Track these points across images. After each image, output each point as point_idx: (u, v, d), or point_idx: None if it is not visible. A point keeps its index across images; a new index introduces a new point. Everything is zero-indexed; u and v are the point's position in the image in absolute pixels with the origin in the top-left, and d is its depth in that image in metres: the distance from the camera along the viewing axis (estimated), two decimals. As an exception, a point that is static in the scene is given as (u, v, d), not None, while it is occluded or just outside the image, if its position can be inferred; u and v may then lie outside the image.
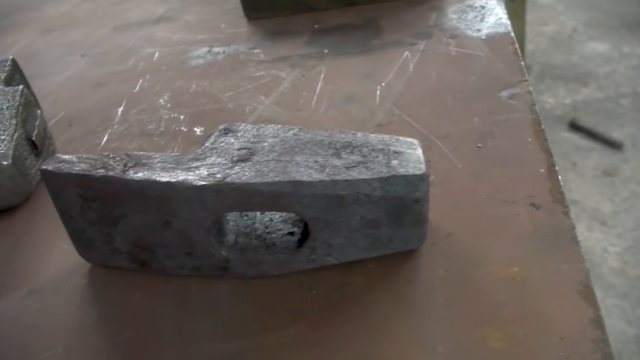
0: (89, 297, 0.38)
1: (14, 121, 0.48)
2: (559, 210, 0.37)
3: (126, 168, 0.35)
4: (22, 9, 0.83)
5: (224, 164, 0.34)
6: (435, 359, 0.30)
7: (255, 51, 0.61)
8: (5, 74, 0.53)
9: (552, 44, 2.08)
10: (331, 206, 0.33)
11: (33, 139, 0.49)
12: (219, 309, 0.35)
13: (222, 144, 0.36)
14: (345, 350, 0.32)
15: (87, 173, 0.35)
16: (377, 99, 0.51)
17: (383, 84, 0.52)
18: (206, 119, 0.53)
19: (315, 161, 0.33)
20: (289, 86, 0.55)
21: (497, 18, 0.59)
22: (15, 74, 0.55)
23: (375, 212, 0.33)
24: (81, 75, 0.64)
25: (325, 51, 0.59)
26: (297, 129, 0.36)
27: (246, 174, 0.33)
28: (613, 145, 1.65)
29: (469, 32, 0.57)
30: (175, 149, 0.49)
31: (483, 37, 0.56)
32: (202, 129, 0.52)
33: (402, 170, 0.33)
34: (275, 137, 0.36)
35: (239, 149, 0.35)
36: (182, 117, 0.54)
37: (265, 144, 0.35)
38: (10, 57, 0.55)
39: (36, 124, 0.51)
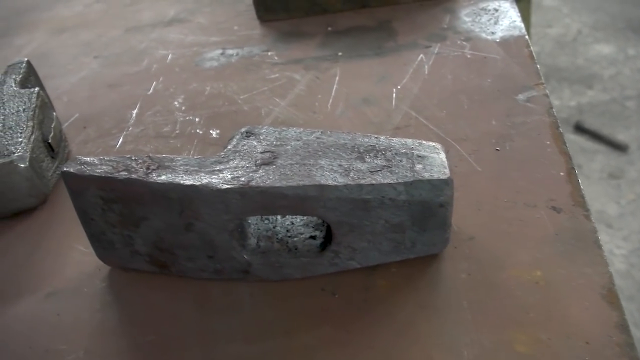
0: (109, 299, 0.38)
1: (30, 123, 0.48)
2: (580, 214, 0.37)
3: (149, 170, 0.35)
4: (34, 9, 0.83)
5: (247, 167, 0.34)
6: (461, 362, 0.30)
7: (269, 53, 0.61)
8: (20, 76, 0.53)
9: (557, 46, 2.08)
10: (356, 210, 0.33)
11: (49, 141, 0.49)
12: (241, 311, 0.35)
13: (244, 147, 0.36)
14: (370, 352, 0.32)
15: (109, 175, 0.35)
16: (394, 101, 0.51)
17: (399, 87, 0.52)
18: (222, 122, 0.53)
19: (340, 165, 0.33)
20: (304, 88, 0.55)
21: (511, 21, 0.59)
22: (30, 76, 0.55)
23: (399, 216, 0.33)
24: (95, 77, 0.64)
25: (340, 53, 0.59)
26: (319, 132, 0.36)
27: (270, 177, 0.33)
28: (618, 147, 1.64)
29: (484, 35, 0.58)
30: (192, 151, 0.49)
31: (497, 40, 0.56)
32: (217, 131, 0.52)
33: (427, 175, 0.33)
34: (298, 140, 0.36)
35: (262, 152, 0.35)
36: (197, 119, 0.54)
37: (288, 147, 0.35)
38: (25, 59, 0.56)
39: (52, 126, 0.51)
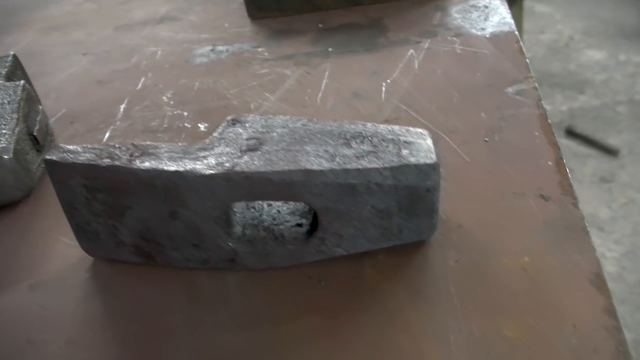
0: (93, 290, 0.38)
1: (15, 116, 0.47)
2: (569, 202, 0.37)
3: (132, 158, 0.34)
4: (25, 8, 0.83)
5: (232, 153, 0.34)
6: (449, 348, 0.30)
7: (260, 50, 0.61)
8: (6, 70, 0.53)
9: (549, 52, 2.10)
10: (342, 196, 0.32)
11: (34, 134, 0.49)
12: (229, 301, 0.35)
13: (230, 134, 0.35)
14: (358, 340, 0.31)
15: (92, 162, 0.34)
16: (384, 95, 0.51)
17: (389, 81, 0.52)
18: (211, 116, 0.52)
19: (326, 150, 0.33)
20: (294, 83, 0.55)
21: (501, 17, 0.59)
22: (17, 70, 0.55)
23: (386, 202, 0.33)
24: (84, 74, 0.64)
25: (330, 49, 0.59)
26: (305, 120, 0.36)
27: (255, 162, 0.32)
28: (610, 151, 1.65)
29: (474, 31, 0.58)
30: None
31: (488, 36, 0.56)
32: (206, 125, 0.51)
33: (413, 160, 0.32)
34: (284, 128, 0.35)
35: (247, 139, 0.35)
36: (185, 113, 0.53)
37: (274, 134, 0.35)
38: (12, 52, 0.55)
39: (38, 119, 0.50)
